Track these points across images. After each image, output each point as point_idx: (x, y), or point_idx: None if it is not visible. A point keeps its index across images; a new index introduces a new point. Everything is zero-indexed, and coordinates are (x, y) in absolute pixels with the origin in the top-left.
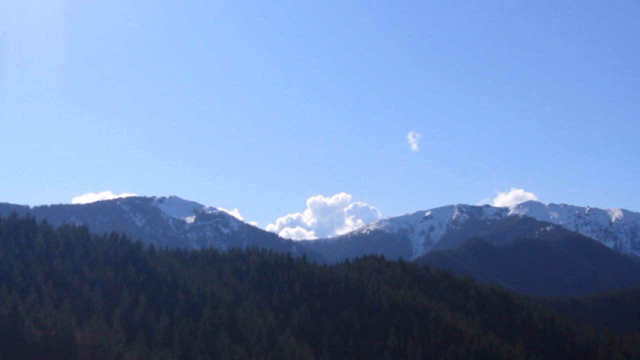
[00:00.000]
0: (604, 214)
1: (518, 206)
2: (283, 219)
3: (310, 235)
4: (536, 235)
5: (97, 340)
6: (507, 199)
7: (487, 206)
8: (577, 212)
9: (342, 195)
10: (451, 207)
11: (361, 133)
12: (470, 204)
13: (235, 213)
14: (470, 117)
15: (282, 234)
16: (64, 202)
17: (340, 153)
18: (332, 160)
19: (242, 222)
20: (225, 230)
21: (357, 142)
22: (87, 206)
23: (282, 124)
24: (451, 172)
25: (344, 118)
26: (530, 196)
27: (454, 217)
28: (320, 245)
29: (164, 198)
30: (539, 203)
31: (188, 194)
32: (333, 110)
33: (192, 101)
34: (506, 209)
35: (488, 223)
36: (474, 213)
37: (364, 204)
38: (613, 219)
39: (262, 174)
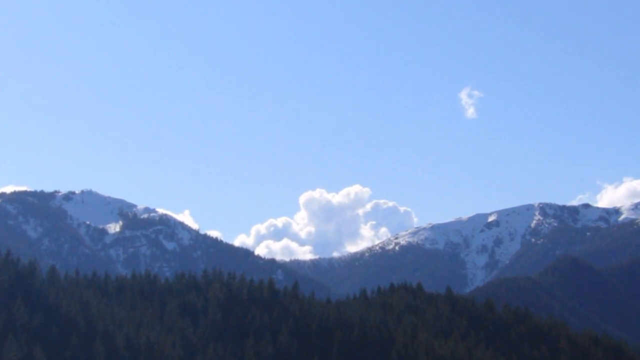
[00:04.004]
0: None
1: (635, 207)
2: (262, 227)
3: (305, 253)
4: None
5: None
6: (617, 196)
7: (587, 206)
8: None
9: (355, 190)
10: (529, 208)
11: (387, 93)
12: (560, 203)
13: (185, 217)
14: (557, 68)
15: (261, 250)
16: None
17: (353, 126)
18: (339, 137)
19: (196, 232)
20: (169, 245)
21: (380, 107)
22: None
23: (261, 81)
24: (528, 153)
25: (359, 70)
26: None
27: (533, 224)
28: (321, 268)
29: (72, 194)
30: None
31: (111, 188)
32: (341, 59)
33: (115, 51)
34: (616, 211)
35: (588, 233)
36: (566, 217)
37: (390, 204)
38: None
39: (229, 159)
